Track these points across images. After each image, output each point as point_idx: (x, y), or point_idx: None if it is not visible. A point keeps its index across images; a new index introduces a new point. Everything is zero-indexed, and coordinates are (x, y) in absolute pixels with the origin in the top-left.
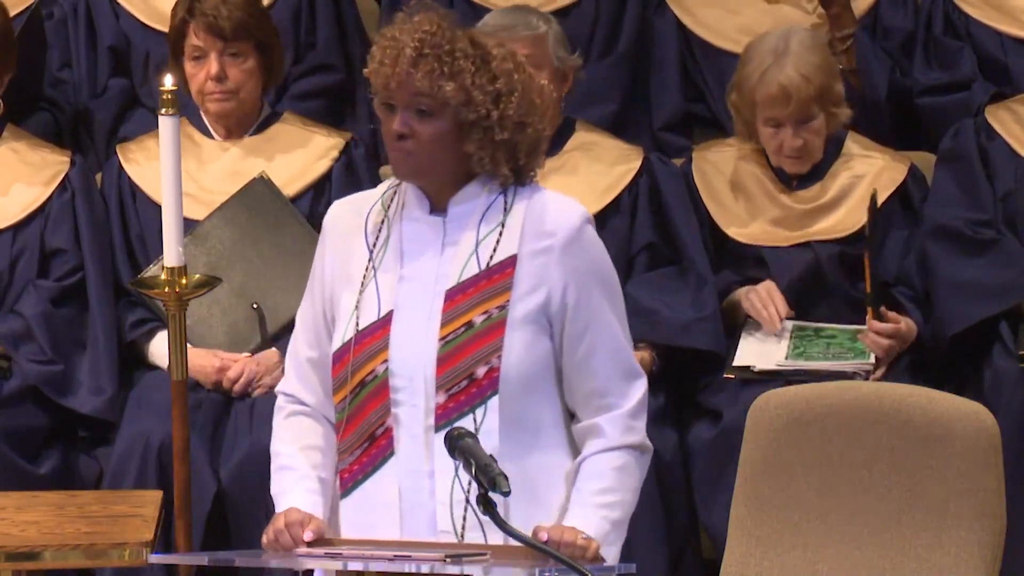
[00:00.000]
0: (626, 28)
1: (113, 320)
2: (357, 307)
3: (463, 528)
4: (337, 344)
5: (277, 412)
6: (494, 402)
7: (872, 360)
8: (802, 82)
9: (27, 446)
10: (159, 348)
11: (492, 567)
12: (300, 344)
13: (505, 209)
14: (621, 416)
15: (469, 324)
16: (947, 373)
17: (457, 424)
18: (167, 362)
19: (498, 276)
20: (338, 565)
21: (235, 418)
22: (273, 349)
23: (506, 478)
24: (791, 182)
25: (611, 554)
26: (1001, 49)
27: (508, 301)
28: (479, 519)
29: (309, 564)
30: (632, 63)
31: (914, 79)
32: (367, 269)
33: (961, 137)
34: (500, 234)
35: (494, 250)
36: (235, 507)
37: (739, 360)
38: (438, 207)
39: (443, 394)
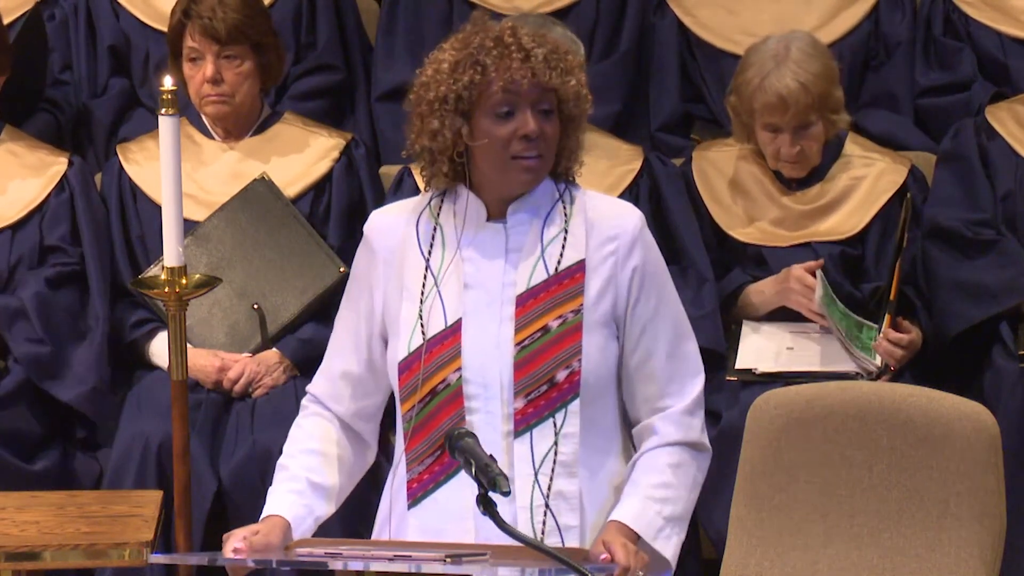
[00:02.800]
0: (627, 28)
1: (108, 318)
2: (421, 316)
3: (543, 532)
4: (402, 354)
5: (300, 411)
6: (575, 406)
7: (877, 362)
8: (800, 91)
9: (24, 446)
10: (159, 348)
11: (492, 567)
12: (335, 354)
13: (565, 214)
14: (675, 414)
15: (545, 329)
16: (947, 373)
17: (536, 429)
18: (167, 362)
19: (568, 281)
20: (338, 565)
21: (235, 418)
22: (273, 349)
23: (506, 478)
24: (791, 183)
25: (668, 549)
26: (1001, 49)
27: (582, 305)
28: (557, 523)
29: (309, 564)
30: (633, 63)
31: (914, 80)
32: (425, 278)
33: (961, 137)
34: (564, 239)
35: (561, 255)
36: (235, 507)
37: (741, 363)
38: (494, 214)
39: (522, 399)
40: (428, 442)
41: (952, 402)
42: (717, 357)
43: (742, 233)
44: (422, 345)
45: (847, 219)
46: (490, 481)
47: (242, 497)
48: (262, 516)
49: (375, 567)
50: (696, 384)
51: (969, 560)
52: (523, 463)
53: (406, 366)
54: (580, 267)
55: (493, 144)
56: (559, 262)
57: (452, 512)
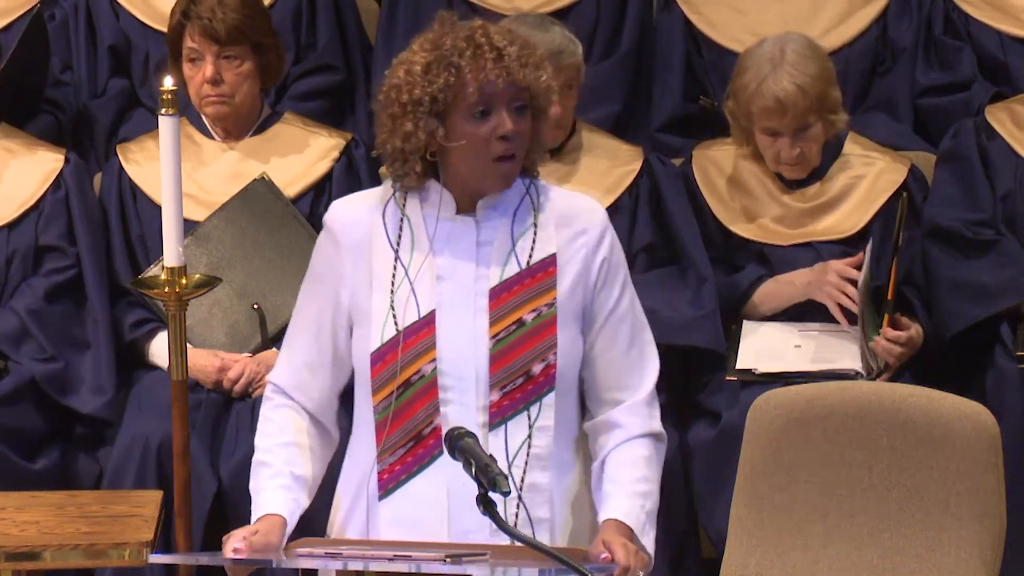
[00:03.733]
0: (627, 29)
1: (110, 318)
2: (392, 307)
3: (516, 525)
4: (375, 344)
5: (265, 402)
6: (550, 398)
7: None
8: (798, 94)
9: (25, 445)
10: (159, 348)
11: (492, 567)
12: (297, 344)
13: (534, 208)
14: (636, 405)
15: (520, 322)
16: (947, 373)
17: (511, 421)
18: (167, 362)
19: (541, 274)
20: (338, 565)
21: (235, 418)
22: (273, 349)
23: (506, 478)
24: (791, 182)
25: (650, 545)
26: (1001, 49)
27: (555, 299)
28: (529, 516)
29: (309, 564)
30: (633, 64)
31: (914, 79)
32: (395, 269)
33: (961, 137)
34: (535, 233)
35: (532, 248)
36: (235, 507)
37: (741, 363)
38: (463, 208)
39: (498, 392)
40: (402, 433)
41: (952, 402)
42: (717, 357)
43: (743, 229)
44: (397, 336)
45: (847, 218)
46: (490, 481)
47: (242, 497)
48: (256, 515)
49: (375, 567)
50: (653, 375)
51: (969, 560)
52: (497, 455)
53: (379, 357)
54: (552, 261)
55: (472, 145)
56: (531, 256)
57: (425, 502)
